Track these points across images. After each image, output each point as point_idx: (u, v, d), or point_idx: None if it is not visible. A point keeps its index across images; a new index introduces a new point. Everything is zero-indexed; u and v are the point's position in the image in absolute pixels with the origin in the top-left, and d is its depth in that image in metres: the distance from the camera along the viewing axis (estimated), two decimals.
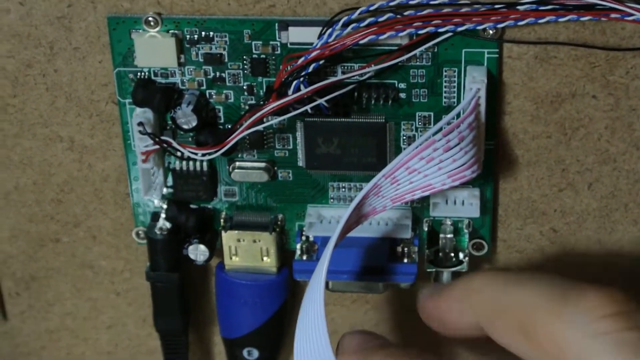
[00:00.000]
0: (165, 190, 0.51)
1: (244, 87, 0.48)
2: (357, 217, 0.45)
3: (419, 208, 0.51)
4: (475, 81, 0.46)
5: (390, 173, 0.45)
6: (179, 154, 0.48)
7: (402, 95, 0.48)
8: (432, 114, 0.48)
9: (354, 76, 0.47)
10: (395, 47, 0.46)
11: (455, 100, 0.48)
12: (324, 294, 0.42)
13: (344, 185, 0.51)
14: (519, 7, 0.44)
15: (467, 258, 0.50)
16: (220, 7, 0.47)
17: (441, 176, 0.44)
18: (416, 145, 0.44)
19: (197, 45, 0.48)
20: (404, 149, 0.49)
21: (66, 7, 0.48)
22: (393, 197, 0.45)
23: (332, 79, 0.46)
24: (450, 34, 0.45)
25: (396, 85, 0.48)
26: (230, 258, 0.52)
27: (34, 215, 0.54)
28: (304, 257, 0.51)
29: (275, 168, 0.50)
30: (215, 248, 0.52)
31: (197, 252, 0.52)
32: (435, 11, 0.45)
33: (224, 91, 0.49)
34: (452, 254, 0.51)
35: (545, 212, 0.51)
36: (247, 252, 0.52)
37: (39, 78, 0.50)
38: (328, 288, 0.50)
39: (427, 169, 0.44)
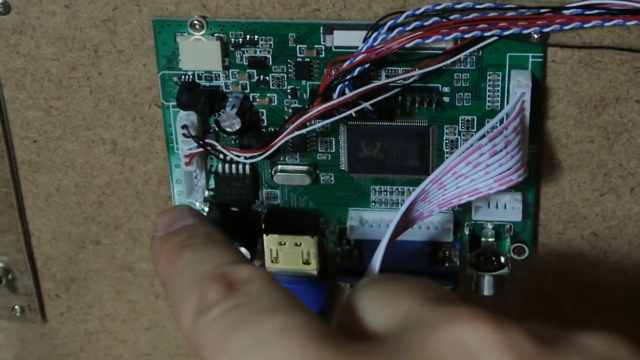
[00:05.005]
0: (207, 193, 0.51)
1: (288, 91, 0.49)
2: (405, 223, 0.45)
3: (460, 212, 0.51)
4: (520, 85, 0.46)
5: (437, 179, 0.45)
6: (222, 156, 0.48)
7: (446, 99, 0.48)
8: (475, 117, 0.48)
9: (398, 80, 0.47)
10: (440, 51, 0.46)
11: (498, 104, 0.48)
12: None
13: (385, 189, 0.51)
14: (564, 12, 0.44)
15: (509, 262, 0.50)
16: (265, 11, 0.47)
17: (488, 180, 0.44)
18: (462, 150, 0.44)
19: (242, 49, 0.48)
20: (447, 152, 0.49)
21: (111, 10, 0.48)
22: (440, 202, 0.45)
23: (377, 83, 0.46)
24: (495, 38, 0.45)
25: (440, 89, 0.48)
26: (272, 261, 0.52)
27: (75, 217, 0.54)
28: (346, 261, 0.51)
29: (318, 171, 0.50)
30: (256, 251, 0.52)
31: None
32: (481, 15, 0.45)
33: (268, 94, 0.49)
34: (494, 258, 0.51)
35: (586, 217, 0.51)
36: (288, 255, 0.52)
37: (83, 81, 0.50)
38: None
39: (474, 174, 0.44)
